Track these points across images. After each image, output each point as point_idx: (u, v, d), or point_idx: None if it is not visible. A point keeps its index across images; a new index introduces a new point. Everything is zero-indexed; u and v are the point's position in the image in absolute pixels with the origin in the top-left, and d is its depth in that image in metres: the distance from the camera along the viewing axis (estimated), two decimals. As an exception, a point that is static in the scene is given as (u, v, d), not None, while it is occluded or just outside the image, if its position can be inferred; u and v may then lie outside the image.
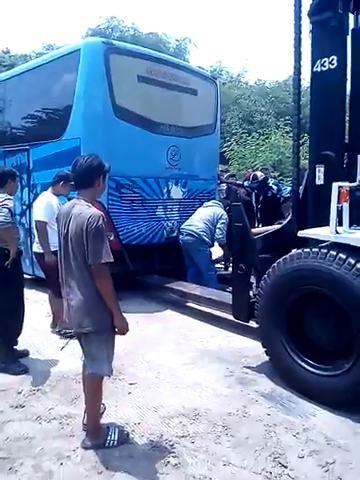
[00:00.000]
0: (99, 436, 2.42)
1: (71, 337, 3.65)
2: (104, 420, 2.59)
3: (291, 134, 12.68)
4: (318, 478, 2.17)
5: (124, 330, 2.31)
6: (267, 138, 12.32)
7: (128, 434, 2.50)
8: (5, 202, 3.21)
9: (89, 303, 2.24)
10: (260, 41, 45.15)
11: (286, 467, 2.24)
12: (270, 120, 16.99)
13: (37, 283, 5.32)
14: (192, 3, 45.04)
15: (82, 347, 2.39)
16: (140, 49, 5.45)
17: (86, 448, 2.38)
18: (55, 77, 5.47)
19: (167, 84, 5.48)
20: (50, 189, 4.26)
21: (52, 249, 3.82)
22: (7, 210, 3.20)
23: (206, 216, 5.32)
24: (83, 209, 2.23)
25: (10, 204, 3.26)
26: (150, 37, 19.70)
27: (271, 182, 7.09)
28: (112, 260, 2.20)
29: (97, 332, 2.27)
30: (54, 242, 3.70)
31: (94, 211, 2.23)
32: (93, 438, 2.41)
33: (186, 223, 5.41)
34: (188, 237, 5.24)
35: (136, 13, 38.14)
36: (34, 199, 5.66)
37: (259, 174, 6.92)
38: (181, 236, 5.35)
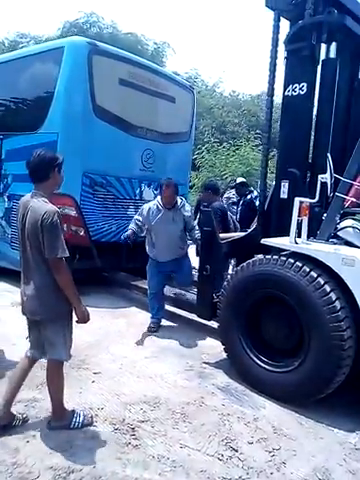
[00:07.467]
0: (64, 418, 2.55)
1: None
2: (67, 405, 2.69)
3: (260, 148, 13.20)
4: (264, 462, 2.41)
5: (84, 320, 2.42)
6: (237, 149, 12.73)
7: (92, 417, 2.65)
8: None
9: (42, 293, 2.34)
10: (237, 55, 46.18)
11: (236, 451, 2.47)
12: (242, 132, 17.49)
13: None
14: (175, 10, 45.46)
15: (29, 335, 2.52)
16: (123, 53, 5.59)
17: (51, 429, 2.51)
18: (36, 71, 5.52)
19: (147, 89, 5.65)
20: None
21: None
22: None
23: None
24: (39, 204, 2.30)
25: None
26: (128, 37, 19.66)
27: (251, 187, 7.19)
28: (67, 255, 2.31)
29: (51, 319, 2.38)
30: None
31: (49, 207, 2.29)
32: (58, 420, 2.54)
33: None
34: None
35: (116, 12, 37.95)
36: (4, 189, 5.71)
37: (240, 179, 7.02)
38: None
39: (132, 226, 4.23)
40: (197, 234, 4.18)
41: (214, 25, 51.39)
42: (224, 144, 13.34)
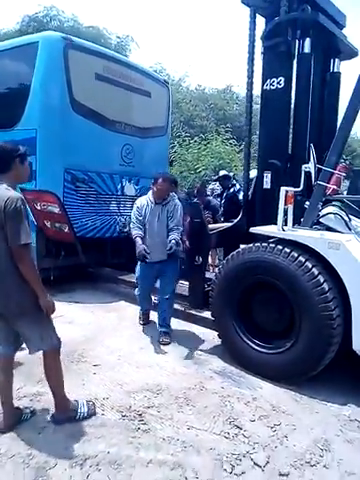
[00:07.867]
0: (69, 410, 2.59)
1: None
2: (71, 397, 2.72)
3: (231, 141, 13.38)
4: (268, 437, 2.55)
5: (49, 310, 2.38)
6: (208, 143, 12.89)
7: (94, 405, 2.71)
8: None
9: (9, 286, 2.30)
10: (202, 49, 46.31)
11: (241, 429, 2.61)
12: (210, 126, 17.66)
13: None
14: (138, 3, 44.99)
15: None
16: (98, 48, 5.60)
17: (56, 422, 2.54)
18: (8, 67, 5.45)
19: (123, 84, 5.68)
20: None
21: None
22: None
23: None
24: (1, 192, 2.28)
25: None
26: (90, 31, 19.30)
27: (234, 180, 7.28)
28: (31, 241, 2.28)
29: (21, 314, 2.35)
30: None
31: (12, 193, 2.28)
32: (63, 412, 2.57)
33: None
34: None
35: (76, 5, 37.13)
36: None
37: (222, 172, 7.13)
38: None
39: (136, 232, 3.82)
40: (174, 237, 3.72)
41: (178, 19, 51.34)
42: (195, 138, 13.45)
